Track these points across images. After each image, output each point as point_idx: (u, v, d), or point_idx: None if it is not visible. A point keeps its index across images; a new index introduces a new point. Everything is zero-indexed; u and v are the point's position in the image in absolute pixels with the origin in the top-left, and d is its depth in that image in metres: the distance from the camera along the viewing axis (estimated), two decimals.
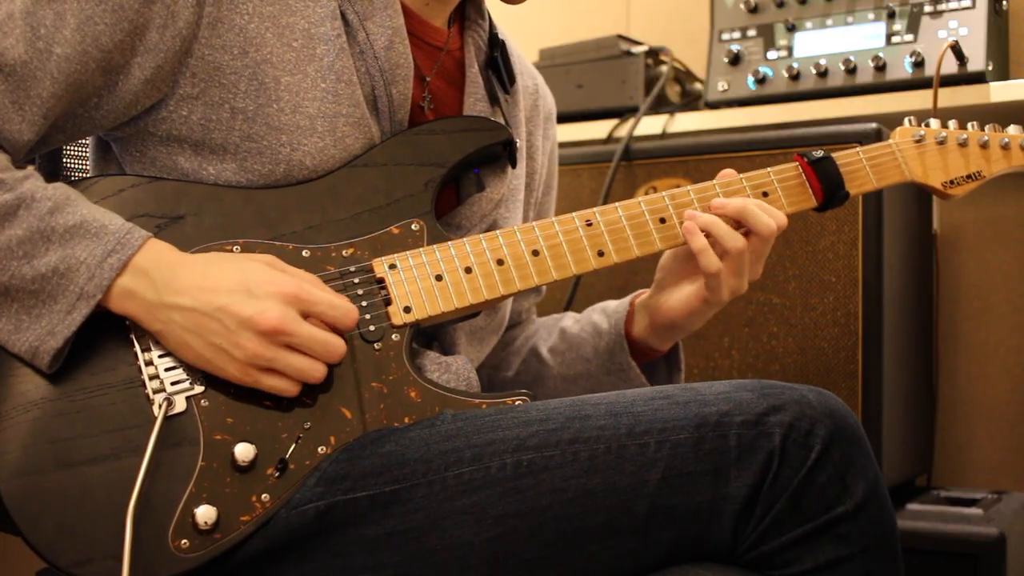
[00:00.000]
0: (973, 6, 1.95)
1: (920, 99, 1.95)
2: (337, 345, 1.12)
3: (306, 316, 1.11)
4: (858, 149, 1.38)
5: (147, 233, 1.11)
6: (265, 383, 1.10)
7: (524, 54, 1.56)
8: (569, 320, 1.52)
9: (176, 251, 1.13)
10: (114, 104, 1.17)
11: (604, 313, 1.47)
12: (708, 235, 1.28)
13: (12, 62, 1.10)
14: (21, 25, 1.11)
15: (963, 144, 1.43)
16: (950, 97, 1.91)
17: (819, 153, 1.35)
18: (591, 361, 1.45)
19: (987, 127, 1.45)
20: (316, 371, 1.11)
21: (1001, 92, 1.91)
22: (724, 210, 1.29)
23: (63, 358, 1.09)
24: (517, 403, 1.17)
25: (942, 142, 1.42)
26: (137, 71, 1.16)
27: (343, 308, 1.14)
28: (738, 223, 1.29)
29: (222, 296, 1.09)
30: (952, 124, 1.44)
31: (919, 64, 1.97)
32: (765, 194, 1.33)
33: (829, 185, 1.35)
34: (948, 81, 1.92)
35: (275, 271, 1.13)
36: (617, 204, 1.29)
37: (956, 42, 1.88)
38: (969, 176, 1.43)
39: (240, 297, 1.09)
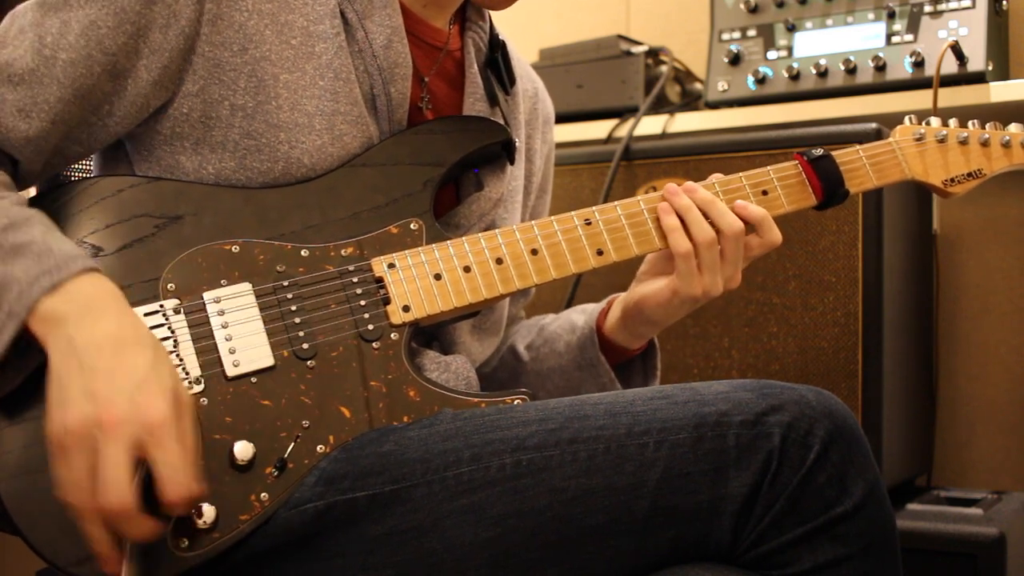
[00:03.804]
0: (973, 6, 1.95)
1: (920, 99, 1.95)
2: (117, 502, 0.95)
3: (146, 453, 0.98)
4: (858, 147, 1.38)
5: (93, 264, 1.04)
6: (59, 463, 0.98)
7: (524, 56, 1.56)
8: (549, 318, 1.53)
9: (122, 299, 1.04)
10: (126, 109, 1.17)
11: (583, 311, 1.47)
12: (681, 220, 1.29)
13: (21, 71, 1.12)
14: (30, 36, 1.13)
15: (964, 142, 1.43)
16: (950, 97, 1.92)
17: (819, 151, 1.35)
18: (563, 355, 1.45)
19: (988, 125, 1.45)
20: (81, 500, 0.96)
21: (1001, 92, 1.91)
22: (692, 196, 1.29)
23: (9, 386, 1.04)
24: (516, 403, 1.17)
25: (942, 140, 1.42)
26: (144, 73, 1.16)
27: (175, 481, 0.97)
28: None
29: (98, 365, 0.98)
30: (953, 123, 1.44)
31: (919, 64, 1.97)
32: (765, 192, 1.33)
33: (829, 183, 1.35)
34: (948, 81, 1.93)
35: (166, 396, 0.98)
36: (616, 203, 1.29)
37: (956, 42, 1.89)
38: (970, 174, 1.43)
39: (113, 378, 0.98)
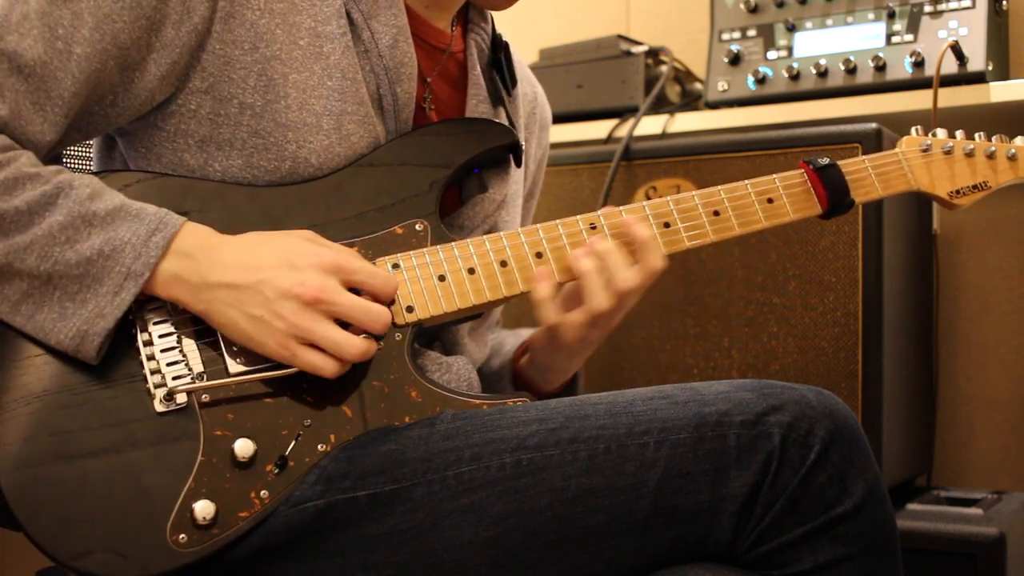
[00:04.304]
0: (973, 6, 1.95)
1: (920, 99, 1.95)
2: (380, 312, 1.12)
3: (349, 288, 1.12)
4: (864, 157, 1.38)
5: (183, 217, 1.12)
6: (303, 358, 1.10)
7: (524, 56, 1.56)
8: (502, 331, 1.53)
9: (215, 233, 1.13)
10: (129, 101, 1.17)
11: (516, 336, 1.48)
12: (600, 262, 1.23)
13: (32, 63, 1.11)
14: (38, 26, 1.11)
15: (969, 154, 1.43)
16: (950, 97, 1.91)
17: (825, 160, 1.35)
18: (488, 377, 1.44)
19: (994, 137, 1.45)
20: (352, 347, 1.10)
21: (1001, 92, 1.90)
22: (594, 248, 1.22)
23: (107, 346, 1.09)
24: (517, 404, 1.17)
25: (948, 152, 1.42)
26: (153, 67, 1.16)
27: (383, 276, 1.14)
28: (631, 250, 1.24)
29: (264, 271, 1.10)
30: (959, 134, 1.44)
31: (919, 64, 1.97)
32: (770, 200, 1.33)
33: (834, 193, 1.34)
34: (948, 81, 1.92)
35: (315, 245, 1.14)
36: (621, 208, 1.29)
37: (956, 42, 1.88)
38: (975, 186, 1.43)
39: (281, 270, 1.10)
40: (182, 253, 1.10)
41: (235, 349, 1.13)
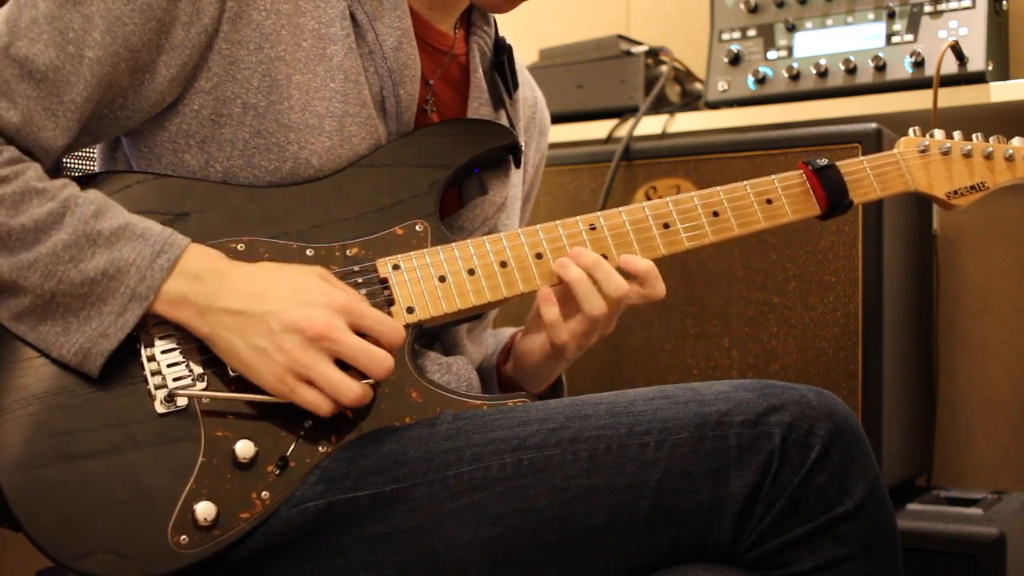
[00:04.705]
0: (973, 6, 1.96)
1: (920, 99, 1.95)
2: (383, 358, 1.10)
3: (354, 331, 1.11)
4: (862, 158, 1.38)
5: (187, 238, 1.11)
6: (300, 395, 1.09)
7: (525, 56, 1.56)
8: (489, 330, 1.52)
9: (225, 258, 1.13)
10: (139, 104, 1.17)
11: (496, 336, 1.47)
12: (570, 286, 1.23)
13: (43, 68, 1.10)
14: (48, 30, 1.11)
15: (967, 155, 1.43)
16: (950, 97, 1.92)
17: (823, 161, 1.35)
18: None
19: (992, 138, 1.45)
20: (350, 391, 1.09)
21: (1001, 92, 1.91)
22: (579, 260, 1.23)
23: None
24: (518, 404, 1.17)
25: (946, 152, 1.42)
26: (163, 69, 1.16)
27: (391, 325, 1.13)
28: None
29: (273, 302, 1.09)
30: (957, 135, 1.44)
31: (919, 64, 1.97)
32: (769, 201, 1.33)
33: (833, 193, 1.34)
34: (948, 81, 1.93)
35: (326, 284, 1.12)
36: (621, 208, 1.29)
37: (956, 42, 1.88)
38: (973, 187, 1.43)
39: (291, 304, 1.09)
40: (191, 275, 1.10)
41: None
